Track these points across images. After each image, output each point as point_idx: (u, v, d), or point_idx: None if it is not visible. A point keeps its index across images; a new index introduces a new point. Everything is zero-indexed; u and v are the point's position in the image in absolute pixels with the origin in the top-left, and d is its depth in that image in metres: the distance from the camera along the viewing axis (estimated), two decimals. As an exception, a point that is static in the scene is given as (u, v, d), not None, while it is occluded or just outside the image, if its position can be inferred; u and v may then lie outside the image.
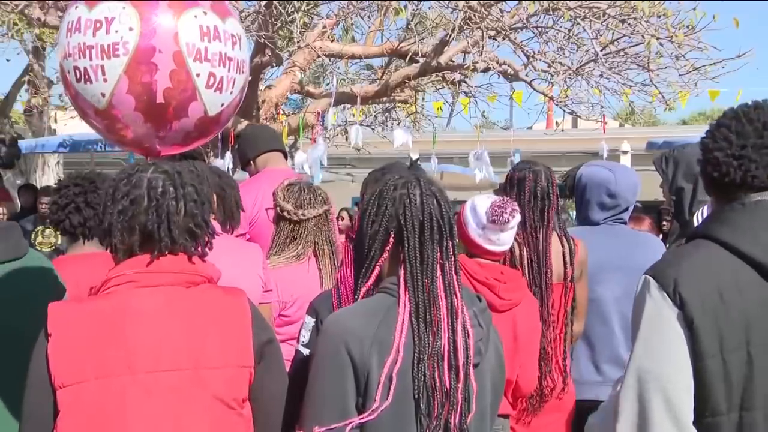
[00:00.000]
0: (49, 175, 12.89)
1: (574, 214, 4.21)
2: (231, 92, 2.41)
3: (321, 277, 3.13)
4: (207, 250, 1.92)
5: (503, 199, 2.80)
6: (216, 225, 2.85)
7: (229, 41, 2.40)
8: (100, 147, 10.16)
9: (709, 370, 1.70)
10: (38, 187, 10.42)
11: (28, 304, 2.18)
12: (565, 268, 3.15)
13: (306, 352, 2.23)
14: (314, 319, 2.30)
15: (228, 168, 6.23)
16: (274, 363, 1.92)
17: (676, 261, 1.81)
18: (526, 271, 3.10)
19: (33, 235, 7.50)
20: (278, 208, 3.16)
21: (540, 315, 3.07)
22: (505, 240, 2.82)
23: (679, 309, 1.72)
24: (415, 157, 9.88)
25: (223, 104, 2.42)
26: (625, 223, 3.58)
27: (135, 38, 2.32)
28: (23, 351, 2.07)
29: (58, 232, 7.47)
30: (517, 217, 2.80)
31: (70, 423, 1.72)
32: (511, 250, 3.08)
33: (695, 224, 3.36)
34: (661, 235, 6.23)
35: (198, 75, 2.34)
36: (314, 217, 3.14)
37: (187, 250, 1.87)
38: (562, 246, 3.17)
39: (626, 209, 3.54)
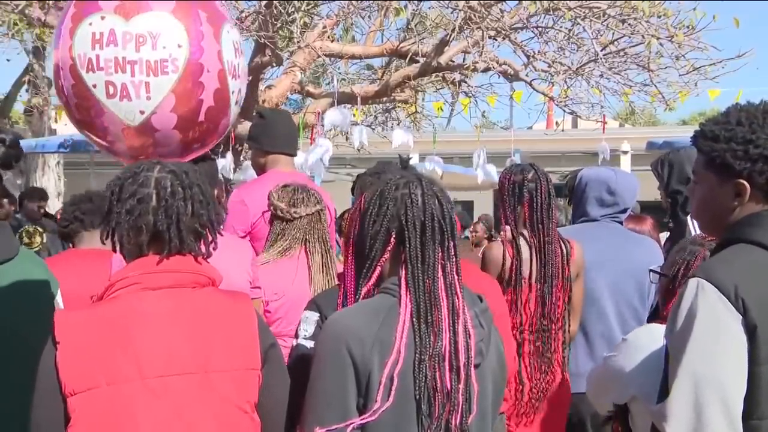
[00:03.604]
0: (49, 175, 12.88)
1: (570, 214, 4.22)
2: (148, 97, 2.18)
3: (310, 276, 3.13)
4: (212, 250, 1.92)
5: None
6: None
7: (132, 42, 2.16)
8: (100, 147, 10.15)
9: (765, 375, 1.71)
10: (34, 187, 10.41)
11: (23, 306, 2.18)
12: (562, 268, 3.18)
13: (310, 345, 2.20)
14: (318, 314, 2.28)
15: (229, 168, 6.23)
16: (277, 366, 1.92)
17: (728, 265, 1.79)
18: (534, 269, 3.12)
19: (25, 234, 7.57)
20: (272, 208, 3.19)
21: (546, 311, 3.10)
22: None
23: (741, 315, 1.72)
24: (415, 156, 9.88)
25: (143, 111, 2.19)
26: (621, 224, 3.62)
27: (52, 58, 2.27)
28: (21, 353, 2.07)
29: (42, 232, 7.58)
30: None
31: (81, 429, 1.71)
32: (518, 250, 3.11)
33: (690, 225, 3.39)
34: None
35: (94, 86, 2.18)
36: (307, 215, 3.15)
37: (193, 250, 1.87)
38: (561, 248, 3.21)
39: (624, 210, 3.58)
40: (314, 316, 2.28)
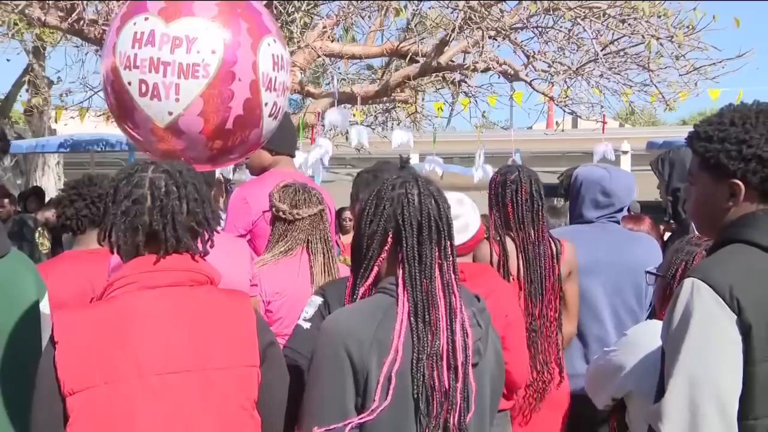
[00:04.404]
0: (49, 175, 12.90)
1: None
2: (177, 99, 2.22)
3: (312, 275, 3.14)
4: (208, 248, 1.92)
5: None
6: None
7: (168, 44, 2.21)
8: (100, 147, 10.17)
9: (760, 375, 1.71)
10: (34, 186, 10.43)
11: (5, 304, 2.17)
12: (552, 267, 3.19)
13: (306, 326, 2.22)
14: (321, 299, 2.30)
15: (229, 168, 6.23)
16: (276, 364, 1.92)
17: (723, 266, 1.79)
18: (521, 271, 3.13)
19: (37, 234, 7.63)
20: (274, 209, 3.19)
21: (538, 311, 3.11)
22: None
23: (736, 315, 1.72)
24: (415, 156, 9.88)
25: (171, 112, 2.23)
26: (618, 223, 3.61)
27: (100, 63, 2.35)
28: (8, 350, 2.07)
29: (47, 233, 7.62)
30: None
31: (80, 428, 1.71)
32: (505, 251, 3.13)
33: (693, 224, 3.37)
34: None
35: (129, 83, 2.24)
36: (309, 216, 3.16)
37: (190, 248, 1.88)
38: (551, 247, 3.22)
39: (620, 210, 3.57)
40: (318, 300, 2.30)
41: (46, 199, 8.67)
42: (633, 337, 2.39)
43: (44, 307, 2.26)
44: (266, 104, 2.33)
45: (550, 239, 3.23)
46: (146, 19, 2.24)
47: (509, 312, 2.88)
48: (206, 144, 2.31)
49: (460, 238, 2.80)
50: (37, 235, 7.77)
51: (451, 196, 2.80)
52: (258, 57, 2.29)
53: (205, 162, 2.36)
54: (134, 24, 2.26)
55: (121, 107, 2.31)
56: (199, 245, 1.90)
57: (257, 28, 2.32)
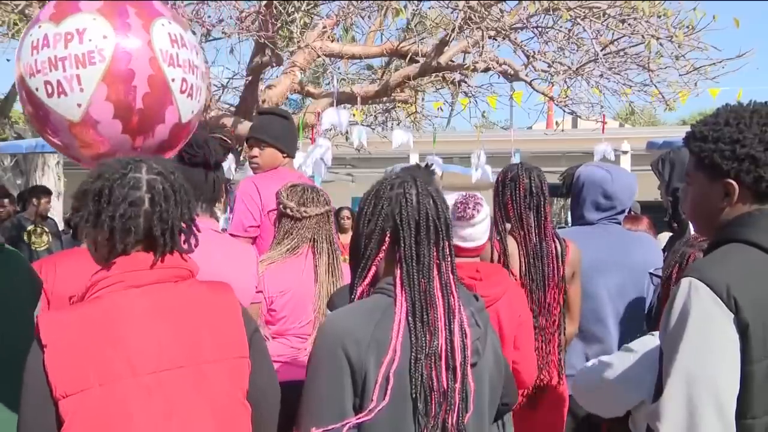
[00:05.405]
0: (48, 175, 12.89)
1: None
2: (81, 89, 2.29)
3: (316, 275, 3.15)
4: (193, 246, 1.92)
5: (466, 195, 2.80)
6: (212, 222, 2.86)
7: (61, 41, 2.30)
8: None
9: (757, 374, 1.72)
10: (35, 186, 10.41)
11: (5, 302, 2.17)
12: (557, 267, 3.19)
13: None
14: None
15: (230, 168, 6.23)
16: (261, 351, 1.92)
17: (719, 265, 1.80)
18: (523, 269, 3.13)
19: (27, 235, 7.59)
20: (281, 206, 3.20)
21: (539, 310, 3.10)
22: (476, 235, 2.81)
23: (734, 314, 1.72)
24: (415, 156, 9.86)
25: (80, 104, 2.30)
26: (619, 224, 3.61)
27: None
28: (2, 350, 2.07)
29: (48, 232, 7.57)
30: (483, 212, 2.79)
31: (76, 431, 1.70)
32: (505, 249, 3.12)
33: (690, 224, 3.38)
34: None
35: (37, 89, 2.33)
36: (316, 215, 3.17)
37: (179, 247, 1.88)
38: (555, 246, 3.21)
39: (621, 212, 3.57)
40: None
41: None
42: (640, 350, 2.37)
43: (38, 307, 2.27)
44: (173, 80, 2.39)
45: (555, 238, 3.22)
46: (39, 27, 2.36)
47: (521, 312, 2.89)
48: (122, 129, 2.35)
49: (486, 236, 2.83)
50: (31, 236, 7.75)
51: (479, 196, 2.83)
52: (152, 35, 2.36)
53: (84, 158, 2.43)
54: (30, 35, 2.37)
55: (37, 115, 2.39)
56: (184, 244, 1.90)
57: (147, 12, 2.41)
